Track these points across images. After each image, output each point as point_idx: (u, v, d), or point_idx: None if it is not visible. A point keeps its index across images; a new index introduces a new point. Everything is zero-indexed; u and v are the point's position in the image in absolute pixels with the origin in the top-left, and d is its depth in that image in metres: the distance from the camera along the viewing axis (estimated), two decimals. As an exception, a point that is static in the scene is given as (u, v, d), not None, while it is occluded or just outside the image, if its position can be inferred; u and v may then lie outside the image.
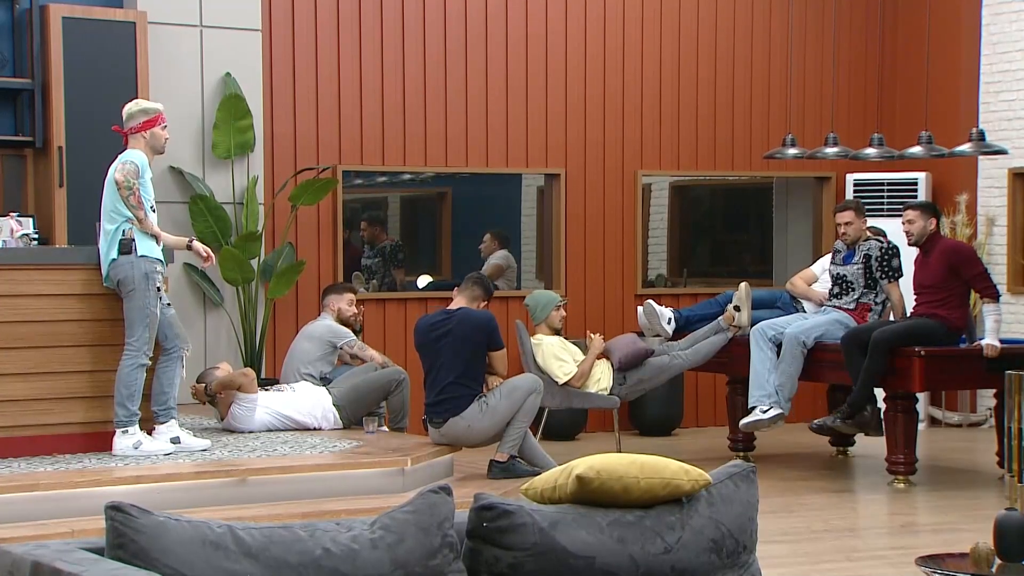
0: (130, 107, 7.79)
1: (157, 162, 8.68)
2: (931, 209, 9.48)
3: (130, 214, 7.57)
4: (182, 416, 8.25)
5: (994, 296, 9.25)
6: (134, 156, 7.60)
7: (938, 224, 9.43)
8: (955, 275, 9.24)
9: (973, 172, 12.16)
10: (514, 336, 10.08)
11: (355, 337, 9.57)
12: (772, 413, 9.47)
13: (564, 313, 10.00)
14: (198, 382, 8.88)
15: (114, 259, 7.62)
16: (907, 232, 9.33)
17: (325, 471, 7.60)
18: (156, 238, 7.66)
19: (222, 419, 8.78)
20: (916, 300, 9.43)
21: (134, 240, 7.57)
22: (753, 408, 9.53)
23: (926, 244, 9.33)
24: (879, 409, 9.40)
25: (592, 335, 9.94)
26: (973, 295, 9.67)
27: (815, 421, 9.59)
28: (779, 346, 9.59)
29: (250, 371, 8.93)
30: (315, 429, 8.83)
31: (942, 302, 9.23)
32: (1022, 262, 11.81)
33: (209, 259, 8.03)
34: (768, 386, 9.50)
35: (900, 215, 9.69)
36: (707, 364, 10.11)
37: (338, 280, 10.69)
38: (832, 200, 12.23)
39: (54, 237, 9.28)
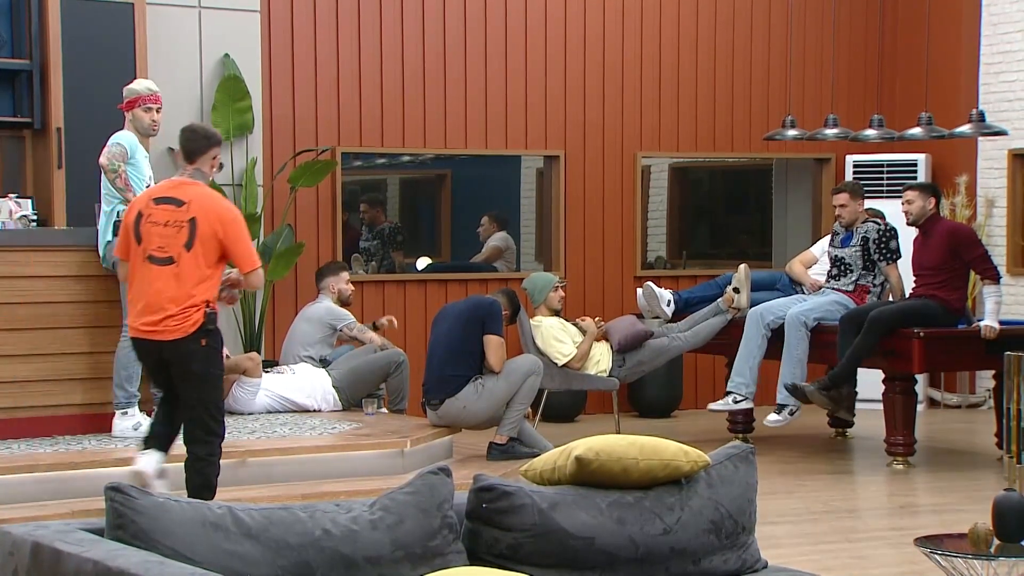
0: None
1: (155, 143, 8.67)
2: (931, 189, 9.45)
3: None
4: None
5: (995, 278, 9.23)
6: (120, 138, 7.60)
7: (938, 204, 9.41)
8: (955, 257, 9.22)
9: (973, 153, 12.15)
10: (514, 318, 10.08)
11: (354, 319, 9.57)
12: (743, 406, 9.74)
13: (562, 294, 10.00)
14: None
15: (108, 240, 7.61)
16: (906, 212, 9.31)
17: (325, 453, 7.61)
18: None
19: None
20: (915, 281, 9.42)
21: None
22: (729, 393, 9.67)
23: (926, 225, 9.31)
24: (855, 392, 9.43)
25: (584, 319, 9.96)
26: (972, 277, 9.65)
27: (789, 381, 9.40)
28: (775, 331, 9.59)
29: (256, 355, 8.94)
30: (315, 411, 8.84)
31: (942, 283, 9.21)
32: (1022, 243, 11.81)
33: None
34: (747, 375, 9.58)
35: (900, 196, 9.67)
36: (706, 346, 10.13)
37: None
38: (832, 182, 12.21)
39: (53, 218, 9.25)
